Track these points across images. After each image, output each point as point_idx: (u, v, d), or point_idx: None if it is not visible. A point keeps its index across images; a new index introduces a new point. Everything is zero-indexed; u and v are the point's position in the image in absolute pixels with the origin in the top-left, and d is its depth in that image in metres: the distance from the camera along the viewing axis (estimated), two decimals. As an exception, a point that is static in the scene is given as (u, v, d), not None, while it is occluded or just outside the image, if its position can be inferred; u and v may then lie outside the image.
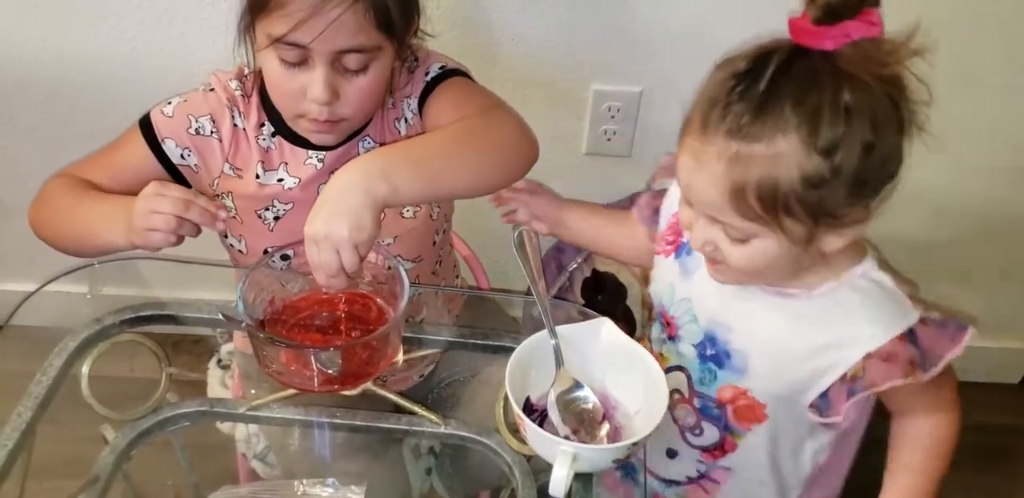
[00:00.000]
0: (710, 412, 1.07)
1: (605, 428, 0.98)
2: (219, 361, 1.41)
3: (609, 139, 1.68)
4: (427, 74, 1.20)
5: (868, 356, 0.94)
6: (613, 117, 1.65)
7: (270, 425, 1.15)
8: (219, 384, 1.38)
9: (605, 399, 1.01)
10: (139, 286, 1.25)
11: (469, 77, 1.24)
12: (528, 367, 0.98)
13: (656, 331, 1.14)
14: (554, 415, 0.96)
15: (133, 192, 1.08)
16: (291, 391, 1.09)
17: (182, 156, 1.18)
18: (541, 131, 1.66)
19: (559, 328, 0.99)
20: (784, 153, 0.84)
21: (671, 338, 1.10)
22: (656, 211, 1.14)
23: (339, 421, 1.10)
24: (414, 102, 1.21)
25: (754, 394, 1.03)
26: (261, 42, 1.07)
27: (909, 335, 0.94)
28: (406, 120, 1.21)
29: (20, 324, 1.15)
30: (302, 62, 1.06)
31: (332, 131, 1.14)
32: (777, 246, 0.90)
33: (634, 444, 0.90)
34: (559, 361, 0.98)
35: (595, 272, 1.54)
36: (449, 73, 1.21)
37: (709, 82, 0.89)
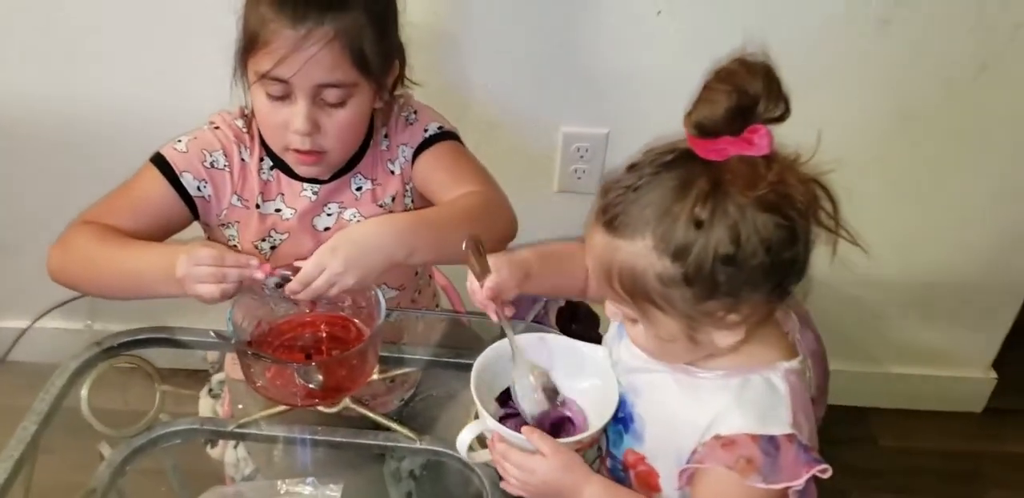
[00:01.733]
0: (618, 474, 1.08)
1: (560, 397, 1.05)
2: (210, 390, 1.48)
3: (579, 177, 1.77)
4: (426, 131, 1.32)
5: (716, 437, 0.93)
6: (582, 157, 1.74)
7: (256, 442, 1.21)
8: (209, 412, 1.44)
9: (570, 409, 1.08)
10: (135, 316, 1.31)
11: (460, 141, 1.35)
12: (493, 372, 1.05)
13: None
14: (528, 400, 1.04)
15: (158, 228, 1.19)
16: (277, 409, 1.16)
17: (198, 188, 1.25)
18: (515, 170, 1.76)
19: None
20: (641, 252, 0.87)
21: None
22: None
23: (320, 437, 1.16)
24: (409, 152, 1.31)
25: (649, 461, 1.03)
26: (251, 78, 1.18)
27: (767, 441, 0.91)
28: (400, 164, 1.31)
29: (19, 359, 1.21)
30: (285, 96, 1.16)
31: (316, 163, 1.23)
32: (655, 336, 0.94)
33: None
34: (514, 353, 1.04)
35: (569, 302, 1.61)
36: (446, 135, 1.33)
37: (608, 177, 0.93)
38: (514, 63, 1.64)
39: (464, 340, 1.46)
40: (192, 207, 1.26)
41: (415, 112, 1.33)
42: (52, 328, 1.52)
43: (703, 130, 0.85)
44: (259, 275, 1.07)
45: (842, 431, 0.94)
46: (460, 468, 1.16)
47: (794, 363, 0.97)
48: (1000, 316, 1.97)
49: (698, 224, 0.84)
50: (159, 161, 1.25)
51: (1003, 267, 1.88)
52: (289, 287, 1.08)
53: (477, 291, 1.04)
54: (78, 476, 1.11)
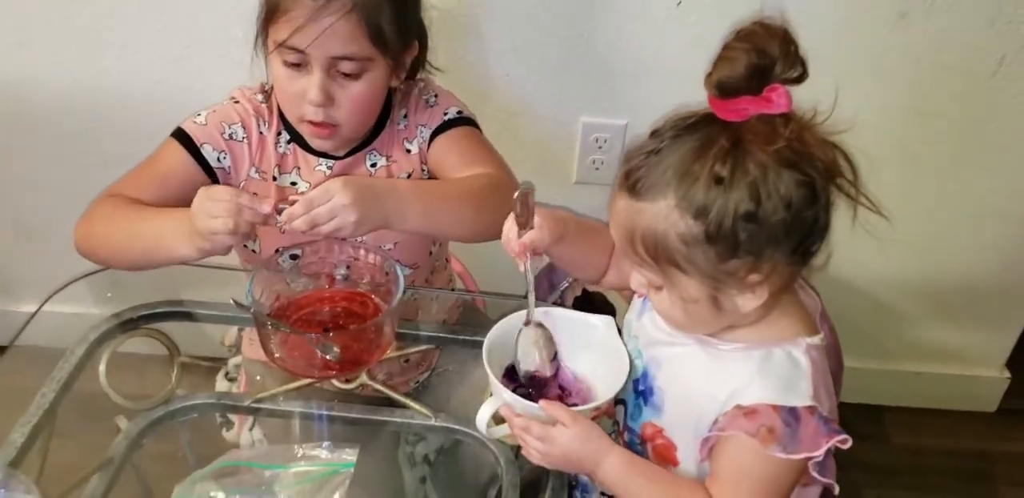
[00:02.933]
0: (636, 448, 1.09)
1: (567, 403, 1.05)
2: (226, 373, 1.49)
3: (597, 169, 1.78)
4: (446, 114, 1.33)
5: (738, 407, 0.95)
6: (601, 148, 1.75)
7: (272, 417, 1.21)
8: (226, 394, 1.45)
9: (576, 382, 1.09)
10: (153, 290, 1.31)
11: (478, 127, 1.36)
12: (504, 347, 1.06)
13: None
14: (531, 348, 1.06)
15: (182, 201, 1.17)
16: (294, 384, 1.17)
17: (218, 159, 1.27)
18: (533, 161, 1.77)
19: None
20: (663, 213, 0.88)
21: None
22: None
23: (336, 413, 1.18)
24: (427, 133, 1.32)
25: (668, 434, 1.04)
26: (269, 47, 1.20)
27: (788, 411, 0.93)
28: (418, 144, 1.33)
29: (35, 344, 1.23)
30: (302, 65, 1.18)
31: (329, 137, 1.25)
32: (680, 301, 0.94)
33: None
34: (530, 304, 1.05)
35: (585, 291, 1.62)
36: (464, 120, 1.34)
37: (632, 143, 0.94)
38: (534, 53, 1.65)
39: (479, 324, 1.47)
40: (214, 178, 1.27)
41: (436, 95, 1.35)
42: (68, 312, 1.53)
43: (723, 89, 0.87)
44: (266, 208, 1.07)
45: (856, 429, 0.94)
46: (476, 449, 1.17)
47: (815, 339, 0.98)
48: (1015, 315, 1.97)
49: (718, 181, 0.86)
50: (180, 135, 1.27)
51: (1019, 266, 1.87)
52: (292, 209, 1.07)
53: (513, 240, 1.04)
54: (94, 458, 1.11)
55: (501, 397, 1.01)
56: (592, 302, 1.63)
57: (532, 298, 1.05)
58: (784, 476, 0.96)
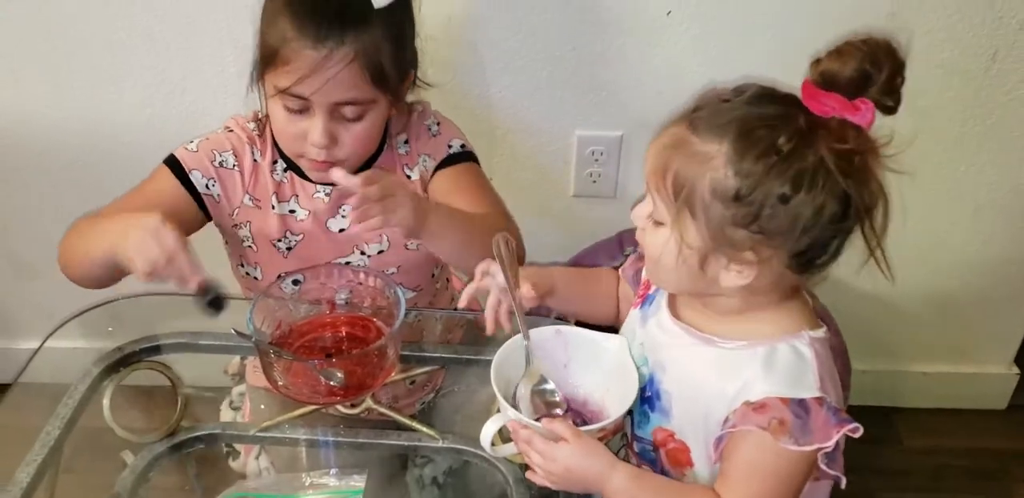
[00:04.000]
0: (648, 455, 1.09)
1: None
2: (231, 402, 1.48)
3: (595, 181, 1.77)
4: (450, 147, 1.33)
5: (747, 403, 0.95)
6: (597, 160, 1.74)
7: (279, 445, 1.21)
8: (231, 425, 1.44)
9: (585, 402, 1.08)
10: (154, 323, 1.30)
11: (478, 162, 1.37)
12: (512, 366, 1.06)
13: None
14: (523, 405, 1.04)
15: None
16: (299, 411, 1.16)
17: (207, 186, 1.27)
18: (531, 175, 1.77)
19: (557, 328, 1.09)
20: (711, 156, 0.89)
21: None
22: (637, 272, 1.18)
23: (343, 439, 1.17)
24: (432, 164, 1.32)
25: (679, 437, 1.04)
26: (269, 91, 1.19)
27: (797, 404, 0.93)
28: (419, 172, 1.32)
29: (36, 380, 1.21)
30: (304, 110, 1.17)
31: (328, 171, 1.23)
32: (674, 242, 0.93)
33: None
34: (528, 359, 1.06)
35: (577, 323, 1.61)
36: (467, 155, 1.34)
37: (709, 88, 0.95)
38: (526, 69, 1.65)
39: (483, 343, 1.46)
40: (202, 205, 1.27)
41: (438, 123, 1.35)
42: (69, 348, 1.52)
43: (825, 80, 0.88)
44: (191, 286, 1.04)
45: (867, 432, 0.93)
46: (485, 469, 1.16)
47: (818, 332, 0.99)
48: (1020, 311, 1.96)
49: (776, 152, 0.87)
50: (170, 161, 1.27)
51: (1021, 260, 1.87)
52: (353, 180, 1.04)
53: (492, 307, 1.09)
54: (101, 494, 1.11)
55: (506, 414, 1.00)
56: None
57: (531, 350, 1.06)
58: (796, 469, 0.96)
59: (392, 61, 1.16)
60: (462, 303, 1.11)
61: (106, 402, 1.14)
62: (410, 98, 1.30)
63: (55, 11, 1.60)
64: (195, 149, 1.27)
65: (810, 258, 0.92)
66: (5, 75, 1.69)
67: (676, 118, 0.95)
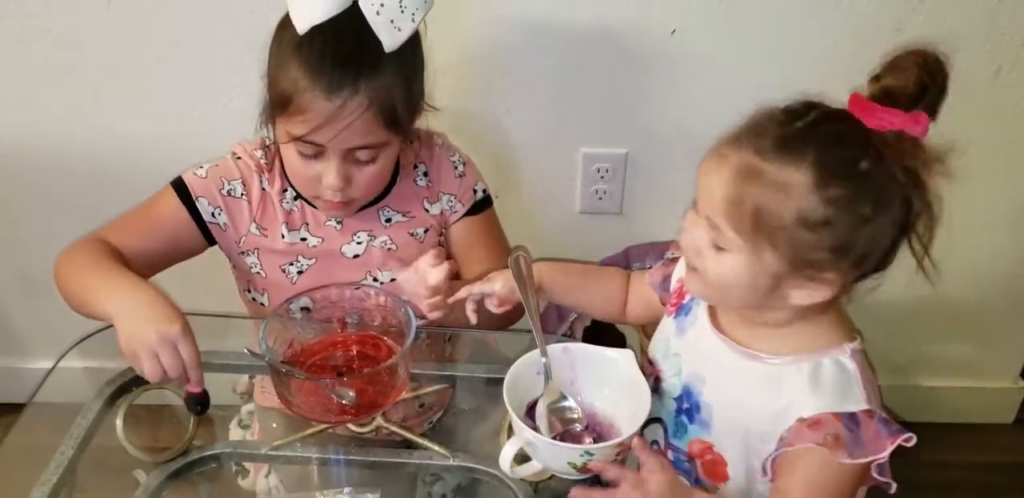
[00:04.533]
0: (682, 466, 1.09)
1: (588, 439, 1.05)
2: (240, 421, 1.48)
3: (600, 198, 1.78)
4: (475, 191, 1.36)
5: (800, 420, 0.96)
6: (603, 177, 1.75)
7: (290, 463, 1.21)
8: (241, 443, 1.44)
9: (596, 418, 1.09)
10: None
11: (492, 203, 1.41)
12: (523, 385, 1.06)
13: None
14: (541, 424, 1.04)
15: (167, 250, 1.20)
16: (310, 431, 1.17)
17: (213, 214, 1.27)
18: (536, 192, 1.78)
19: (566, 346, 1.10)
20: (792, 184, 0.88)
21: (654, 390, 1.13)
22: (666, 278, 1.19)
23: (354, 457, 1.17)
24: (458, 207, 1.35)
25: (718, 449, 1.05)
26: (282, 137, 1.19)
27: (848, 418, 0.94)
28: (440, 208, 1.35)
29: (46, 401, 1.21)
30: (318, 155, 1.18)
31: (344, 210, 1.27)
32: (748, 269, 0.93)
33: (588, 453, 0.97)
34: (548, 375, 1.06)
35: (595, 322, 1.62)
36: (488, 200, 1.38)
37: (759, 111, 0.94)
38: (531, 87, 1.66)
39: (491, 360, 1.47)
40: (206, 233, 1.28)
41: (464, 164, 1.36)
42: (80, 367, 1.52)
43: (886, 95, 0.89)
44: (196, 389, 1.10)
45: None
46: (495, 487, 1.16)
47: (856, 344, 1.00)
48: (1025, 325, 1.96)
49: (859, 175, 0.88)
50: (178, 185, 1.27)
51: (1028, 275, 1.87)
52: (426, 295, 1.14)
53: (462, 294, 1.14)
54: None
55: (524, 436, 1.00)
56: (602, 333, 1.63)
57: (548, 366, 1.07)
58: (850, 483, 0.97)
59: (404, 103, 1.16)
60: (451, 298, 1.15)
61: (119, 422, 1.15)
62: (424, 123, 1.30)
63: (67, 29, 1.62)
64: (204, 176, 1.27)
65: (867, 269, 0.94)
66: (20, 94, 1.70)
67: (730, 141, 0.93)
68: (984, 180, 1.73)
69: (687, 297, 1.11)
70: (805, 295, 0.94)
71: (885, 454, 0.94)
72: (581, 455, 0.98)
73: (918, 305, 1.91)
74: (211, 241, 1.30)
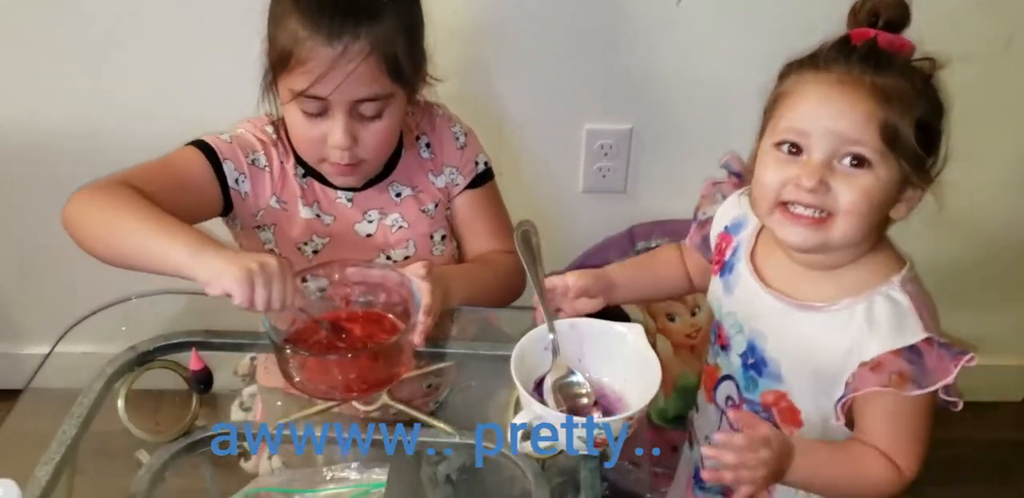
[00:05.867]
0: (760, 415, 1.11)
1: (597, 414, 1.04)
2: (241, 403, 1.47)
3: (604, 176, 1.76)
4: (476, 163, 1.35)
5: (862, 365, 0.99)
6: (607, 154, 1.73)
7: (293, 442, 1.20)
8: (242, 426, 1.43)
9: (604, 393, 1.08)
10: (168, 322, 1.30)
11: (493, 175, 1.40)
12: (529, 361, 1.06)
13: (712, 343, 1.21)
14: (549, 399, 1.04)
15: (187, 209, 1.14)
16: (315, 408, 1.16)
17: (237, 181, 1.24)
18: (540, 170, 1.77)
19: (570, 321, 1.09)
20: (907, 92, 0.95)
21: (723, 348, 1.16)
22: (705, 239, 1.21)
23: (359, 436, 1.14)
24: (459, 179, 1.34)
25: (791, 398, 1.08)
26: (284, 97, 1.17)
27: (908, 351, 0.98)
28: (444, 181, 1.34)
29: (44, 386, 1.20)
30: (322, 113, 1.16)
31: (353, 173, 1.24)
32: (886, 184, 0.97)
33: (599, 427, 0.97)
34: (555, 351, 1.06)
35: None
36: (490, 173, 1.37)
37: (799, 56, 1.02)
38: (534, 62, 1.65)
39: (495, 338, 1.45)
40: (226, 199, 1.24)
41: (465, 135, 1.35)
42: (78, 352, 1.52)
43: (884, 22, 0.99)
44: (283, 317, 1.07)
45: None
46: (501, 463, 1.14)
47: (905, 272, 1.03)
48: (1033, 302, 1.94)
49: (924, 75, 0.98)
50: (202, 145, 1.23)
51: (1035, 251, 1.85)
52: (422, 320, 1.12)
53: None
54: (118, 496, 1.10)
55: (532, 411, 0.99)
56: (605, 313, 1.62)
57: (556, 342, 1.07)
58: (925, 410, 1.02)
59: (407, 53, 1.15)
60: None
61: (121, 402, 1.13)
62: (425, 96, 1.29)
63: (66, 7, 1.60)
64: (229, 141, 1.25)
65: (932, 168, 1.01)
66: (11, 78, 1.69)
67: (813, 77, 0.99)
68: (992, 150, 1.72)
69: (727, 254, 1.13)
70: (907, 207, 1.00)
71: (951, 377, 0.97)
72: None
73: (926, 282, 1.90)
74: (227, 210, 1.26)
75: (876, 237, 1.03)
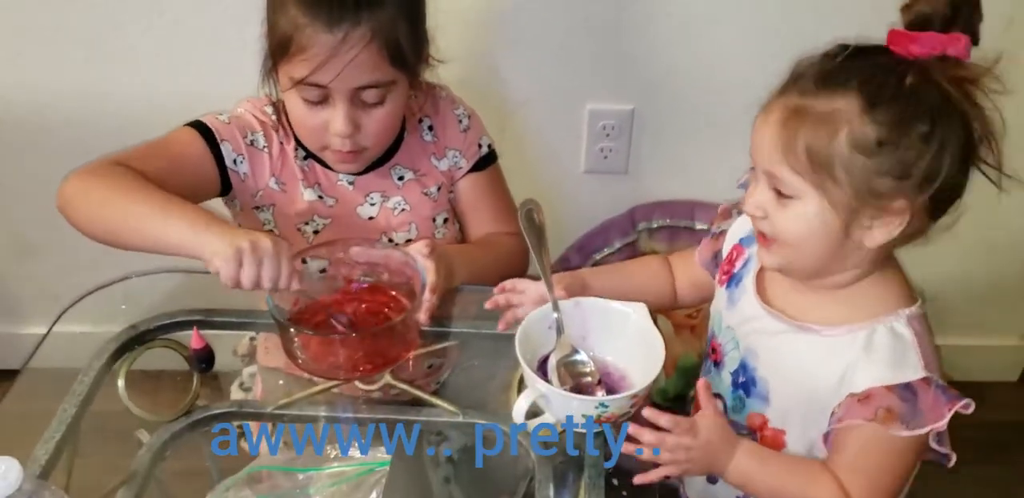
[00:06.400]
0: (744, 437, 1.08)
1: (600, 392, 1.04)
2: (241, 383, 1.47)
3: (606, 157, 1.76)
4: (480, 145, 1.34)
5: (851, 395, 0.95)
6: (608, 135, 1.73)
7: (296, 422, 1.19)
8: (241, 406, 1.43)
9: (608, 371, 1.08)
10: (168, 301, 1.30)
11: (497, 157, 1.39)
12: (533, 341, 1.06)
13: (706, 358, 1.18)
14: (553, 377, 1.03)
15: (184, 190, 1.12)
16: (317, 388, 1.15)
17: (235, 162, 1.23)
18: (541, 151, 1.76)
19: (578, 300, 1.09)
20: (839, 112, 0.87)
21: (715, 364, 1.13)
22: (715, 255, 1.18)
23: (362, 415, 1.16)
24: (463, 162, 1.33)
25: (776, 424, 1.05)
26: (284, 84, 1.16)
27: (903, 388, 0.93)
28: (447, 165, 1.33)
29: (42, 366, 1.19)
30: (323, 100, 1.15)
31: (355, 160, 1.23)
32: (818, 214, 0.91)
33: (603, 405, 0.97)
34: (559, 330, 1.05)
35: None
36: (493, 155, 1.36)
37: (796, 62, 0.94)
38: (536, 42, 1.64)
39: (498, 318, 1.45)
40: (224, 180, 1.24)
41: (469, 117, 1.34)
42: (76, 332, 1.52)
43: (922, 21, 0.88)
44: (284, 296, 1.06)
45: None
46: (503, 443, 1.14)
47: (914, 309, 0.98)
48: (1031, 283, 1.94)
49: (906, 93, 0.86)
50: (199, 126, 1.22)
51: (1035, 234, 1.85)
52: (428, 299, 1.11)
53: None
54: (118, 475, 1.08)
55: (536, 389, 0.99)
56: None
57: (561, 320, 1.06)
58: (908, 455, 0.96)
59: (408, 38, 1.14)
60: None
61: (121, 382, 1.13)
62: (427, 78, 1.28)
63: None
64: (227, 121, 1.24)
65: (942, 200, 0.92)
66: (9, 52, 1.67)
67: (773, 96, 0.93)
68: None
69: (738, 265, 1.10)
70: (881, 233, 0.92)
71: (943, 422, 0.92)
72: (596, 407, 0.97)
73: (922, 264, 1.90)
74: (225, 190, 1.26)
75: (864, 260, 0.96)
